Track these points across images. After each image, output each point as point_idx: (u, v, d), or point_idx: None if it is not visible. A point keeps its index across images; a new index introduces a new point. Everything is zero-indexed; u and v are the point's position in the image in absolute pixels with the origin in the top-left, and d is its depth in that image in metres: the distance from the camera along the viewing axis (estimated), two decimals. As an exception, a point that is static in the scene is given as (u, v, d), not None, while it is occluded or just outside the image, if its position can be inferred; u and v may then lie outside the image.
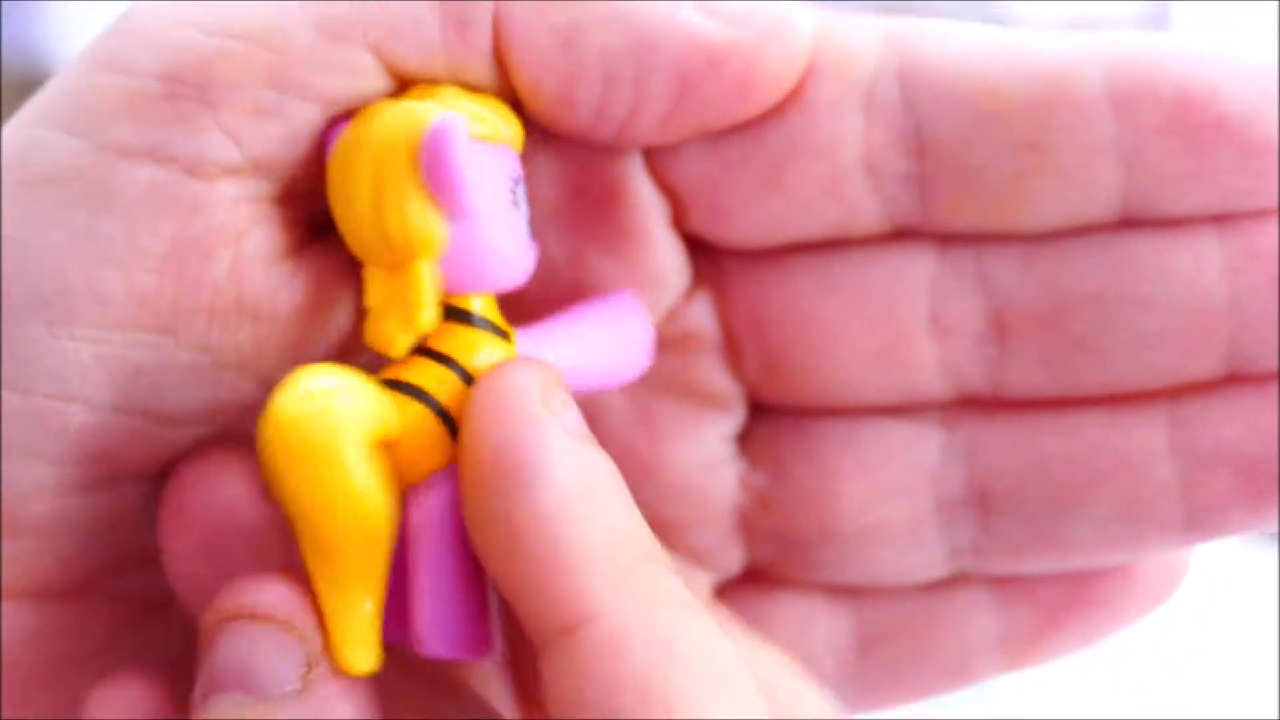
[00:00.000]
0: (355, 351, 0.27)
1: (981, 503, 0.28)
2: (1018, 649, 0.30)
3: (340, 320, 0.26)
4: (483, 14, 0.25)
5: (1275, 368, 0.27)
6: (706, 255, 0.28)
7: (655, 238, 0.28)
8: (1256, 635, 0.64)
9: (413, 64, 0.25)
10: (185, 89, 0.24)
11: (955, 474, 0.28)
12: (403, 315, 0.24)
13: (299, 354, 0.26)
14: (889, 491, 0.28)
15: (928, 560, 0.29)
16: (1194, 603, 0.31)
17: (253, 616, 0.23)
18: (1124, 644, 0.30)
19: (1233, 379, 0.27)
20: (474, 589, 0.25)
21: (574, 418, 0.24)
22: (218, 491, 0.25)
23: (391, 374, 0.25)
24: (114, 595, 0.27)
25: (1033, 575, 0.29)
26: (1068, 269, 0.27)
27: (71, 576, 0.26)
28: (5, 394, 0.25)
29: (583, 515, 0.23)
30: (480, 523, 0.24)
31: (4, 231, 0.24)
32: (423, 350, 0.25)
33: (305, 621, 0.23)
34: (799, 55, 0.26)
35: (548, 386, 0.24)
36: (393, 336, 0.24)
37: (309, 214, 0.26)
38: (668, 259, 0.28)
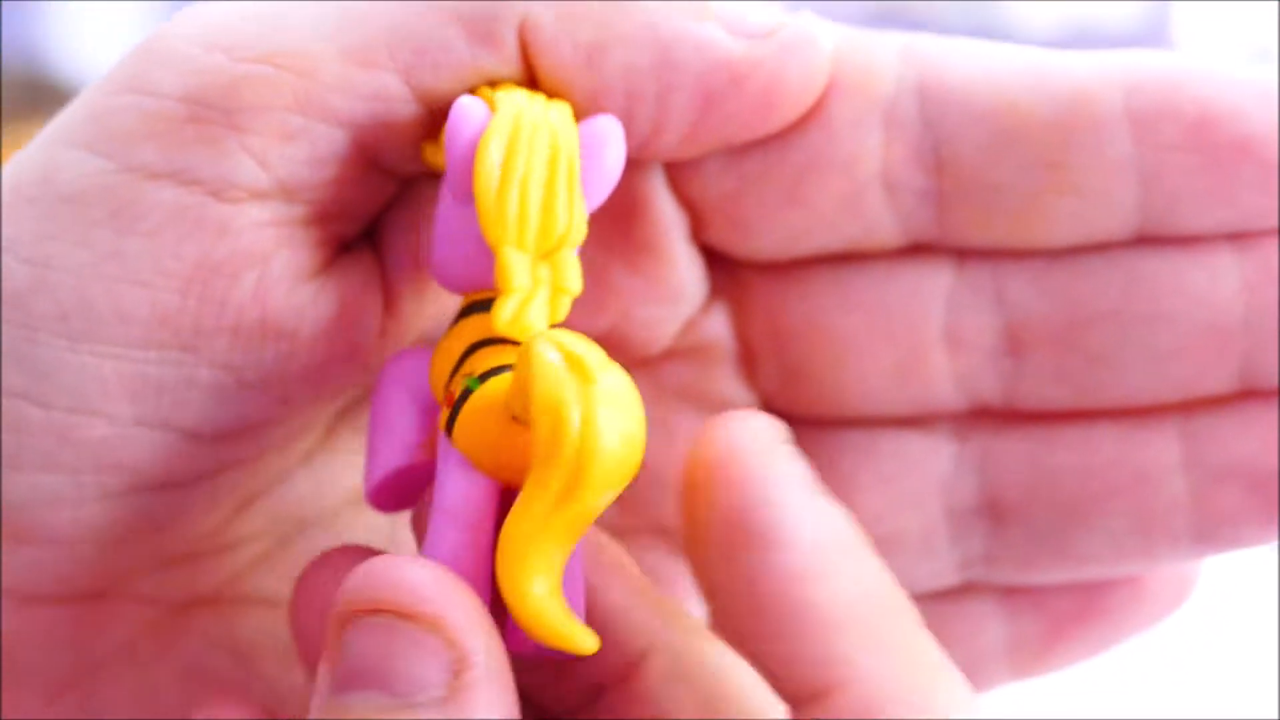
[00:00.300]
0: (375, 366, 0.27)
1: (993, 513, 0.28)
2: (1026, 658, 0.30)
3: (363, 336, 0.26)
4: (509, 30, 0.25)
5: None
6: (724, 267, 0.28)
7: (674, 250, 0.28)
8: (1257, 635, 0.65)
9: (443, 84, 0.25)
10: (210, 112, 0.24)
11: (968, 484, 0.28)
12: (554, 298, 0.24)
13: (322, 372, 0.26)
14: (904, 502, 0.28)
15: (939, 569, 0.29)
16: (1194, 601, 0.31)
17: (396, 614, 0.22)
18: (1124, 643, 0.30)
19: (1245, 394, 0.27)
20: (573, 584, 0.24)
21: (805, 470, 0.23)
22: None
23: (498, 360, 0.24)
24: (138, 598, 0.27)
25: (1043, 585, 0.29)
26: (1084, 285, 0.27)
27: (95, 581, 0.27)
28: (25, 407, 0.25)
29: (830, 573, 0.22)
30: (718, 586, 0.23)
31: (24, 249, 0.24)
32: (500, 341, 0.24)
33: (456, 619, 0.22)
34: (820, 72, 0.26)
35: (775, 439, 0.23)
36: (539, 318, 0.24)
37: (334, 234, 0.26)
38: (686, 271, 0.28)
